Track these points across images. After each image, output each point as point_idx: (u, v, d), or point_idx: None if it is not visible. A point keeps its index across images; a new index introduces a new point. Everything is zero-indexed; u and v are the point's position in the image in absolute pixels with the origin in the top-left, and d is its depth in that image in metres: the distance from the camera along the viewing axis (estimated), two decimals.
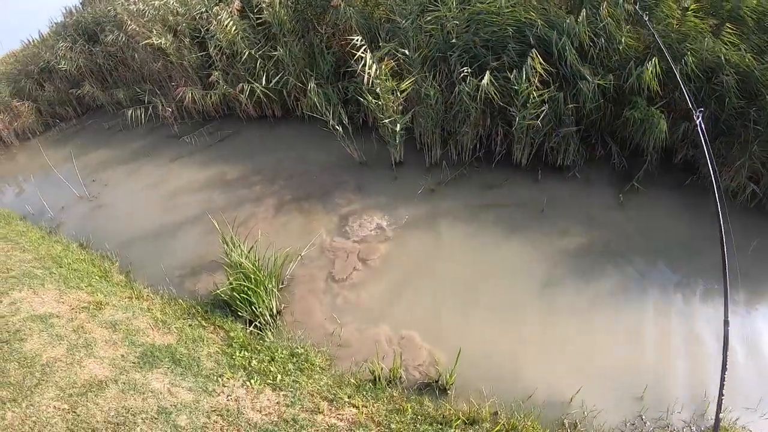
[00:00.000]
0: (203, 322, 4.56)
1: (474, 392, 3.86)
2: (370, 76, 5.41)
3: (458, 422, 3.55)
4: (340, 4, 6.37)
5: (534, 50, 5.11)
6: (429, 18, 5.71)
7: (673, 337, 4.28)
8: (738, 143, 5.41)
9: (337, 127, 6.17)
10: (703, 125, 3.66)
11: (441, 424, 3.56)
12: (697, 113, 3.56)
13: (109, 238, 6.19)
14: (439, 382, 3.90)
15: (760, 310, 4.55)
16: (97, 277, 5.36)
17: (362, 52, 5.43)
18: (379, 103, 5.68)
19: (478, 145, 6.32)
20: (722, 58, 5.13)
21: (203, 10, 7.94)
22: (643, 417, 3.71)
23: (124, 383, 3.67)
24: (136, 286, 5.23)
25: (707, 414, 3.70)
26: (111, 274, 5.55)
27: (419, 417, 3.61)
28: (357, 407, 3.63)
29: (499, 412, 3.72)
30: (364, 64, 5.42)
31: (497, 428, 3.52)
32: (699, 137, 4.98)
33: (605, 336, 4.30)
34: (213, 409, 3.52)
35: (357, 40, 5.48)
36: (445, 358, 4.10)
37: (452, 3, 5.61)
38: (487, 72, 5.30)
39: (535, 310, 4.55)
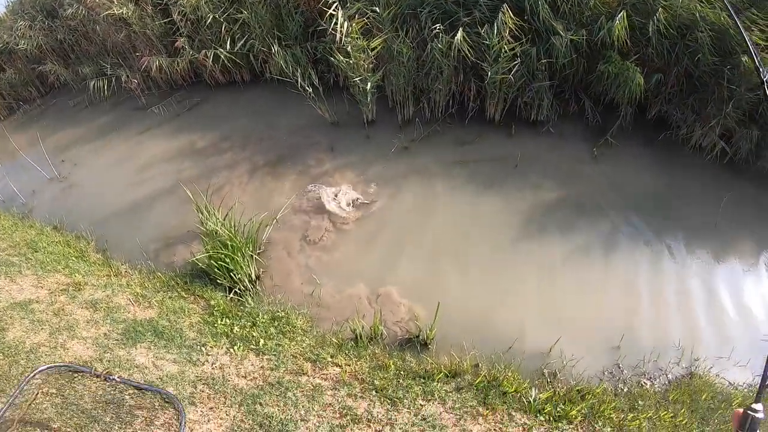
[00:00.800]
0: (183, 293, 4.55)
1: (454, 346, 3.93)
2: (341, 34, 5.27)
3: (440, 375, 3.64)
4: None
5: (505, 5, 5.02)
6: None
7: (648, 288, 4.41)
8: (712, 100, 5.46)
9: (306, 88, 6.02)
10: None
11: (424, 378, 3.65)
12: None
13: (84, 218, 6.06)
14: (420, 337, 3.96)
15: (730, 263, 4.70)
16: (74, 258, 5.29)
17: (334, 10, 5.27)
18: (350, 61, 5.55)
19: (451, 102, 6.27)
20: (697, 15, 5.11)
21: None
22: (620, 365, 3.85)
23: (109, 361, 3.67)
24: (114, 264, 5.17)
25: (682, 362, 3.87)
26: (88, 253, 5.47)
27: (402, 372, 3.69)
28: (340, 366, 3.70)
29: (480, 364, 3.81)
30: (336, 22, 5.27)
31: (479, 380, 3.61)
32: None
33: (582, 288, 4.40)
34: (198, 378, 3.56)
35: None
36: (425, 313, 4.16)
37: None
38: (460, 29, 5.21)
39: (511, 264, 4.61)
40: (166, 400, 2.42)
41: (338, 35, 5.34)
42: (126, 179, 6.60)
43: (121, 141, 7.56)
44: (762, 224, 5.13)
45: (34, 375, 2.36)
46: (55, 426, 2.91)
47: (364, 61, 5.58)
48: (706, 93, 5.56)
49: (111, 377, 2.22)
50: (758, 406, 1.53)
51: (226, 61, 7.24)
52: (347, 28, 5.32)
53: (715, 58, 5.26)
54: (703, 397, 3.57)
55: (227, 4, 7.00)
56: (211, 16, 6.91)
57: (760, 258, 4.79)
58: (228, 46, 6.98)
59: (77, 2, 8.70)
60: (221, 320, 4.14)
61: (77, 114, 8.83)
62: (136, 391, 2.73)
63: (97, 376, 2.30)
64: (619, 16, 5.06)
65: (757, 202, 5.34)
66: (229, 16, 6.93)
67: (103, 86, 8.10)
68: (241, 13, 6.75)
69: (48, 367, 2.34)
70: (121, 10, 7.71)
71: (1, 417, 2.19)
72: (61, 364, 2.46)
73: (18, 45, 9.47)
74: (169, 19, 7.67)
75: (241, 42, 6.93)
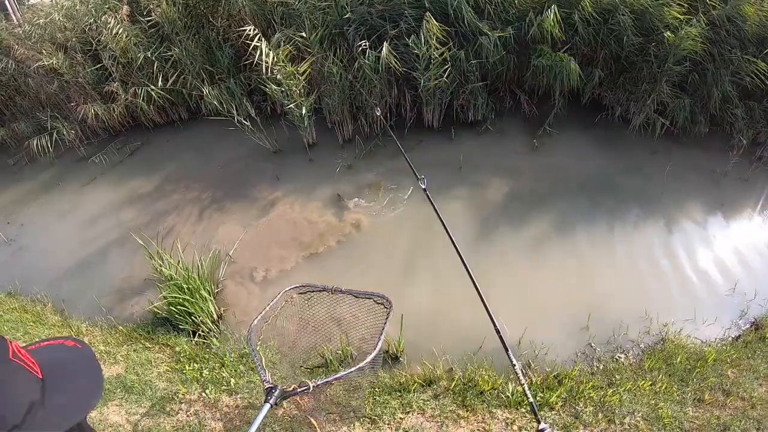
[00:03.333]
0: (147, 344, 4.43)
1: (426, 354, 3.94)
2: (267, 64, 5.28)
3: (415, 386, 3.64)
4: None
5: (428, 13, 5.12)
6: None
7: (606, 265, 4.54)
8: (642, 78, 5.69)
9: (244, 121, 6.02)
10: None
11: (399, 391, 3.64)
12: None
13: (37, 280, 5.81)
14: (390, 351, 3.97)
15: (682, 228, 4.90)
16: (31, 323, 5.06)
17: (257, 41, 5.28)
18: (282, 89, 5.57)
19: (388, 115, 6.35)
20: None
21: (91, 21, 7.47)
22: (593, 344, 3.93)
23: None
24: (73, 323, 4.97)
25: (651, 330, 3.98)
26: (45, 316, 5.25)
27: (377, 389, 3.68)
28: None
29: (453, 368, 3.83)
30: (260, 54, 5.28)
31: (454, 383, 3.62)
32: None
33: (542, 275, 4.50)
34: (174, 428, 3.48)
35: (249, 30, 5.31)
36: (390, 327, 4.13)
37: None
38: (385, 42, 5.29)
39: (469, 263, 4.65)
40: (378, 301, 2.97)
41: (264, 66, 5.34)
42: (75, 234, 6.40)
43: (65, 196, 7.31)
44: (706, 187, 5.40)
45: (281, 294, 2.81)
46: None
47: (295, 86, 5.58)
48: (635, 72, 5.80)
49: (339, 290, 2.86)
50: (543, 426, 1.51)
51: (159, 100, 7.14)
52: (273, 57, 5.32)
53: (639, 37, 5.49)
54: (678, 359, 3.68)
55: (157, 44, 6.91)
56: (141, 56, 6.80)
57: (709, 219, 5.05)
58: (159, 84, 6.89)
59: (5, 56, 8.44)
60: (189, 366, 4.04)
61: (18, 172, 8.50)
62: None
63: (328, 290, 2.87)
64: (550, 10, 5.18)
65: (698, 167, 5.62)
66: (160, 55, 6.85)
67: (46, 144, 7.83)
68: (171, 51, 6.68)
69: (289, 288, 2.87)
70: (50, 61, 7.52)
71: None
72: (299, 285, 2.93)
73: None
74: (100, 65, 7.52)
75: (173, 77, 6.83)
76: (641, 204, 5.11)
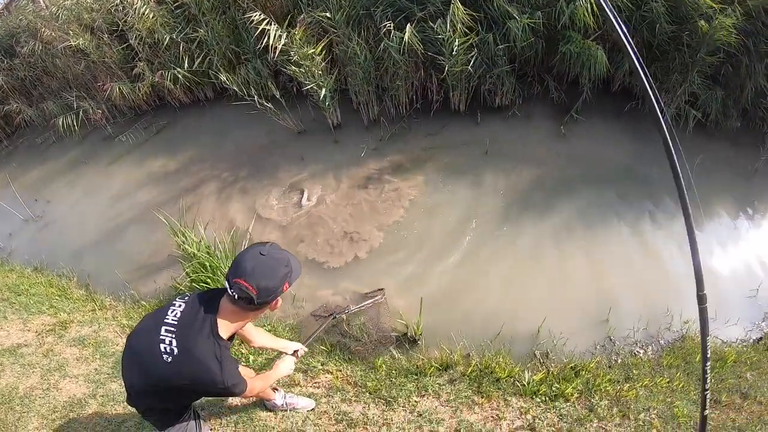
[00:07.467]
0: None
1: (444, 338, 3.93)
2: (276, 45, 5.35)
3: (432, 369, 3.65)
4: None
5: None
6: None
7: (629, 258, 4.45)
8: (674, 68, 5.53)
9: (266, 104, 6.00)
10: None
11: (415, 374, 3.66)
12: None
13: (63, 255, 5.97)
14: (408, 334, 3.96)
15: (709, 225, 4.79)
16: (57, 297, 5.23)
17: (266, 25, 5.33)
18: (301, 70, 5.55)
19: (414, 97, 6.29)
20: None
21: (117, 1, 7.53)
22: (612, 337, 3.88)
23: (102, 396, 3.68)
24: (98, 298, 5.12)
25: (672, 326, 3.92)
26: (70, 290, 5.41)
27: (393, 371, 3.70)
28: (331, 372, 3.71)
29: (470, 354, 3.82)
30: (266, 37, 5.37)
31: (471, 369, 3.62)
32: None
33: (564, 265, 4.43)
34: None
35: (255, 16, 5.39)
36: (409, 310, 4.14)
37: None
38: (408, 25, 5.19)
39: (491, 250, 4.63)
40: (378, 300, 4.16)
41: (271, 49, 5.43)
42: (101, 211, 6.53)
43: (91, 173, 7.46)
44: (736, 183, 5.25)
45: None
46: None
47: (314, 67, 5.55)
48: (666, 61, 5.64)
49: (349, 311, 4.11)
50: None
51: (184, 81, 7.18)
52: (283, 40, 5.36)
53: (672, 26, 5.33)
54: (697, 358, 3.61)
55: (183, 24, 6.94)
56: (167, 38, 6.84)
57: (738, 217, 4.91)
58: (185, 66, 6.93)
59: (33, 38, 8.59)
60: None
61: (46, 151, 8.70)
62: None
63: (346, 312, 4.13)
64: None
65: (729, 162, 5.45)
66: (186, 35, 6.87)
67: (72, 123, 7.98)
68: (198, 31, 6.70)
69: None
70: (77, 41, 7.61)
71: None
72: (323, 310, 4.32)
73: None
74: (126, 44, 7.60)
75: (199, 59, 6.85)
76: (668, 197, 4.98)
